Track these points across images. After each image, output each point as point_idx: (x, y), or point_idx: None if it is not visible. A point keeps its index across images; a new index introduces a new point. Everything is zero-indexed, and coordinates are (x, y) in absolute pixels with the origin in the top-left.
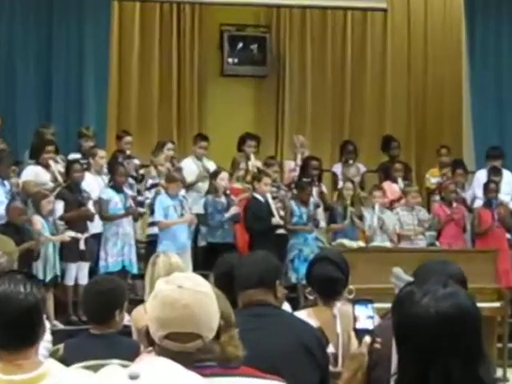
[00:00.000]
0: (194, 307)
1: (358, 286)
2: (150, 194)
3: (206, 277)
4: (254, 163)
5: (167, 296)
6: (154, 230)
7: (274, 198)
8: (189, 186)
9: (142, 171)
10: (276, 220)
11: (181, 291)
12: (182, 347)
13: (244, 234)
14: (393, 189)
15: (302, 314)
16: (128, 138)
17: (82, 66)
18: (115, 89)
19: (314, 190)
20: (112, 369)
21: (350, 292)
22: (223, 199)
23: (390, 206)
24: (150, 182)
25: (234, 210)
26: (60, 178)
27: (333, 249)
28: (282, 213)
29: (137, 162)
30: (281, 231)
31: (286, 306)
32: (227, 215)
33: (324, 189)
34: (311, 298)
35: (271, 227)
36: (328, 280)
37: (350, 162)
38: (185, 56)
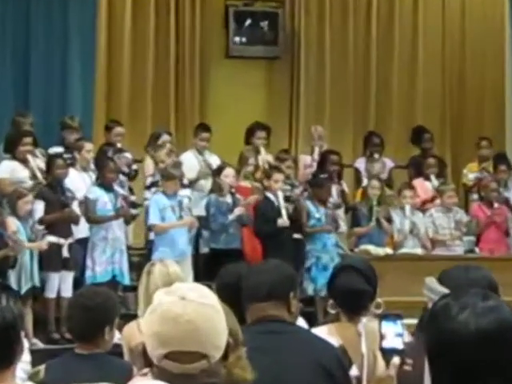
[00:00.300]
0: (199, 322)
1: (385, 299)
2: (149, 194)
3: (209, 288)
4: (265, 158)
5: (168, 309)
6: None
7: (287, 197)
8: (189, 184)
9: (134, 167)
10: (281, 221)
11: (184, 304)
12: (184, 368)
13: (252, 239)
14: (425, 187)
15: (322, 331)
16: (119, 129)
17: (65, 47)
18: (103, 73)
19: (334, 189)
20: None
21: (378, 306)
22: (228, 199)
23: (422, 206)
24: (150, 180)
25: (238, 210)
26: (40, 175)
27: (359, 256)
28: (290, 210)
29: (129, 156)
30: (297, 236)
31: (301, 322)
32: (231, 217)
33: (345, 187)
34: (333, 312)
35: (277, 230)
36: (353, 292)
37: (376, 156)
38: (184, 35)
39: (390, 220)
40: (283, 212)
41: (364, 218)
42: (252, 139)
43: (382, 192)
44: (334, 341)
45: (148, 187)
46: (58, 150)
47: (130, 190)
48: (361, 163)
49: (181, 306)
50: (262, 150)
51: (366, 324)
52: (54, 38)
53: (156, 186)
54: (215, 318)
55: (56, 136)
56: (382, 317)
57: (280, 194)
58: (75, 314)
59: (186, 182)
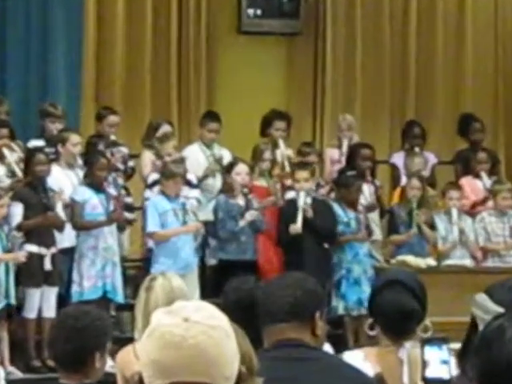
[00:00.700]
0: (206, 347)
1: (428, 320)
2: (151, 194)
3: (218, 306)
4: (284, 152)
5: (169, 332)
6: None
7: (313, 199)
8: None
9: (131, 163)
10: (293, 227)
11: (188, 326)
12: None
13: (268, 249)
14: (475, 187)
15: (357, 356)
16: (112, 118)
17: (46, 23)
18: (93, 53)
19: (366, 188)
20: None
21: (426, 329)
22: (240, 201)
23: (472, 210)
24: (153, 177)
25: (250, 215)
26: (19, 173)
27: (407, 270)
28: (309, 214)
29: (124, 150)
30: (327, 246)
31: (328, 348)
32: (242, 223)
33: (380, 186)
34: (372, 333)
35: (297, 237)
36: (399, 312)
37: (416, 150)
38: (188, 7)
39: (432, 226)
40: (299, 215)
41: (402, 223)
42: (269, 130)
43: (424, 193)
44: (371, 368)
45: (150, 186)
46: (39, 143)
47: (126, 191)
48: (398, 158)
49: (184, 328)
50: (281, 143)
51: (409, 350)
52: (33, 10)
53: (159, 185)
54: (225, 343)
55: (35, 127)
56: (425, 341)
57: (302, 195)
58: (59, 337)
59: (194, 181)
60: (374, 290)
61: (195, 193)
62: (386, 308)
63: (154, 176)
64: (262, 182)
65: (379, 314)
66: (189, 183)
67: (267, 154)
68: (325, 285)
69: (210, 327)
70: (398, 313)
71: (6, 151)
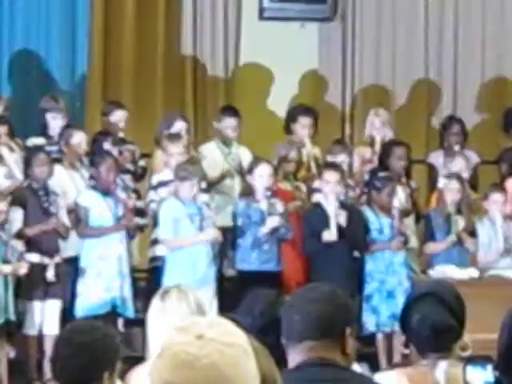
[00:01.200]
0: (223, 367)
1: (469, 337)
2: (156, 196)
3: (237, 323)
4: (311, 151)
5: (182, 351)
6: (161, 250)
7: (342, 203)
8: (211, 186)
9: (142, 163)
10: (328, 234)
11: (202, 344)
12: None
13: (295, 259)
14: None
15: (390, 378)
16: (120, 113)
17: (48, 11)
18: (100, 43)
19: (400, 191)
20: None
21: (465, 348)
22: (263, 205)
23: None
24: (158, 178)
25: (272, 221)
26: (19, 175)
27: (441, 281)
28: (342, 221)
29: (134, 148)
30: (357, 254)
31: (357, 367)
32: (264, 230)
33: (415, 189)
34: (407, 351)
35: (325, 246)
36: (432, 327)
37: (456, 148)
38: None
39: (473, 233)
40: (332, 222)
41: (440, 229)
42: (294, 127)
43: (464, 196)
44: None
45: (154, 187)
46: (39, 141)
47: (136, 194)
48: (436, 158)
49: (198, 346)
50: (308, 141)
51: (446, 370)
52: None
53: (164, 186)
54: (243, 362)
55: (36, 124)
56: (468, 361)
57: (332, 199)
58: (64, 355)
59: (203, 184)
60: (406, 304)
61: (204, 197)
62: (418, 323)
63: (159, 177)
64: (285, 185)
65: (411, 331)
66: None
67: (292, 154)
68: (355, 298)
69: (225, 345)
70: (430, 329)
71: (4, 151)
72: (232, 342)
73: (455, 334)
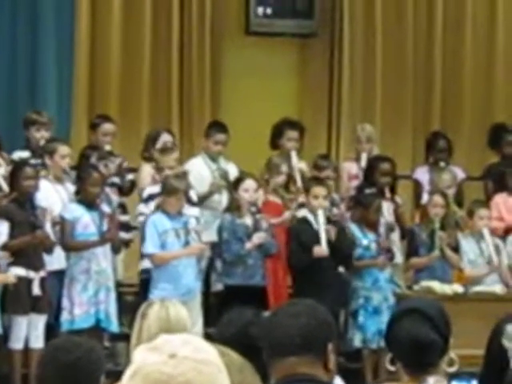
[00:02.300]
0: None
1: (455, 353)
2: (146, 209)
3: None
4: (298, 165)
5: (156, 371)
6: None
7: (327, 218)
8: (199, 201)
9: (130, 176)
10: (318, 249)
11: (175, 363)
12: None
13: (277, 274)
14: (510, 205)
15: None
16: (107, 127)
17: (35, 27)
18: (85, 56)
19: (386, 207)
20: None
21: (452, 363)
22: (248, 220)
23: (507, 232)
24: (149, 191)
25: (258, 238)
26: (6, 188)
27: (427, 298)
28: (332, 236)
29: (122, 161)
30: (342, 269)
31: (339, 382)
32: (248, 245)
33: (400, 204)
34: (392, 369)
35: (313, 261)
36: (415, 343)
37: (442, 164)
38: (191, 5)
39: (456, 248)
40: (322, 236)
41: (423, 245)
42: (280, 141)
43: (449, 211)
44: None
45: (145, 200)
46: (25, 154)
47: (122, 208)
48: (422, 174)
49: (172, 365)
50: (294, 155)
51: None
52: (21, 14)
53: (155, 199)
54: (218, 379)
55: (22, 138)
56: (453, 376)
57: (321, 214)
58: (48, 373)
59: (194, 198)
60: (391, 320)
61: (194, 211)
62: (401, 339)
63: (150, 190)
64: (275, 198)
65: (395, 346)
66: (188, 200)
67: (283, 168)
68: (339, 314)
69: (199, 362)
70: (413, 344)
71: None
72: (206, 359)
73: (438, 349)
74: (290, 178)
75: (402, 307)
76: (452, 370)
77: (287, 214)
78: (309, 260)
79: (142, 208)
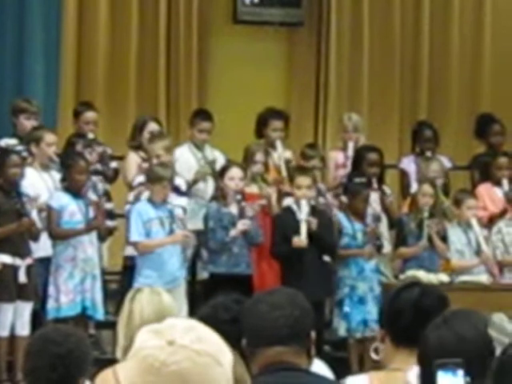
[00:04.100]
0: (190, 376)
1: None
2: (132, 197)
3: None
4: (283, 154)
5: (151, 356)
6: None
7: (313, 208)
8: (186, 191)
9: (114, 164)
10: (297, 240)
11: (172, 351)
12: None
13: (261, 263)
14: (494, 195)
15: (361, 382)
16: (90, 115)
17: (22, 15)
18: (73, 43)
19: (373, 196)
20: None
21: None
22: (233, 209)
23: (490, 222)
24: (139, 179)
25: (242, 224)
26: None
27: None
28: (313, 227)
29: (106, 150)
30: (325, 258)
31: (321, 365)
32: (233, 233)
33: (389, 194)
34: (376, 358)
35: (293, 251)
36: (423, 313)
37: (428, 153)
38: None
39: (444, 238)
40: (303, 227)
41: (412, 234)
42: (265, 131)
43: (437, 201)
44: None
45: (133, 188)
46: (11, 142)
47: (107, 196)
48: (408, 163)
49: (167, 352)
50: (279, 144)
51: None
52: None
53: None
54: (212, 372)
55: (7, 124)
56: (438, 366)
57: (304, 204)
58: (42, 365)
59: (183, 187)
60: (391, 295)
61: (182, 201)
62: (403, 307)
63: (140, 178)
64: (253, 189)
65: (394, 317)
66: (177, 189)
67: (259, 156)
68: (324, 303)
69: (196, 353)
70: (418, 311)
71: None
72: (204, 350)
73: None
74: (268, 167)
75: (403, 284)
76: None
77: (260, 202)
78: (289, 250)
79: (132, 197)
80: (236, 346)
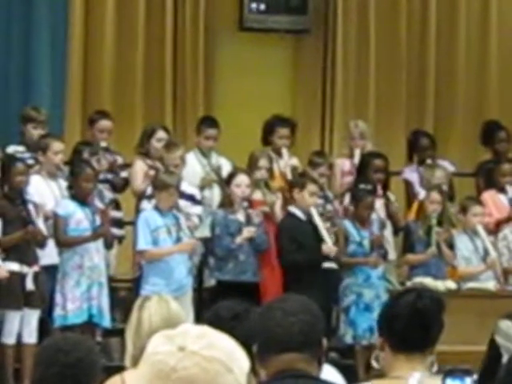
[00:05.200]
0: (200, 382)
1: (447, 349)
2: (149, 206)
3: None
4: (289, 162)
5: (161, 361)
6: None
7: (321, 215)
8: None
9: (124, 174)
10: (328, 247)
11: (182, 357)
12: None
13: (271, 270)
14: (499, 202)
15: None
16: (104, 123)
17: (29, 22)
18: (79, 52)
19: (378, 203)
20: None
21: (432, 364)
22: (240, 216)
23: (496, 228)
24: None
25: (248, 231)
26: None
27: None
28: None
29: (117, 158)
30: (329, 265)
31: (331, 372)
32: (239, 240)
33: (394, 201)
34: (377, 366)
35: (320, 259)
36: (419, 315)
37: (428, 161)
38: (184, 1)
39: (450, 245)
40: (325, 234)
41: (419, 241)
42: (271, 138)
43: (445, 208)
44: None
45: (148, 197)
46: (18, 149)
47: (116, 204)
48: (410, 173)
49: (178, 358)
50: (285, 151)
51: (421, 381)
52: (15, 7)
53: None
54: (221, 379)
55: (17, 133)
56: (447, 373)
57: (314, 212)
58: (49, 375)
59: (198, 196)
60: (389, 300)
61: (198, 209)
62: (402, 312)
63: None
64: (258, 195)
65: (392, 324)
66: (192, 198)
67: (262, 162)
68: (331, 310)
69: (206, 359)
70: (416, 317)
71: None
72: (214, 356)
73: (439, 330)
74: (272, 173)
75: (403, 290)
76: (433, 369)
77: (263, 208)
78: (305, 258)
79: (146, 205)
80: (238, 344)
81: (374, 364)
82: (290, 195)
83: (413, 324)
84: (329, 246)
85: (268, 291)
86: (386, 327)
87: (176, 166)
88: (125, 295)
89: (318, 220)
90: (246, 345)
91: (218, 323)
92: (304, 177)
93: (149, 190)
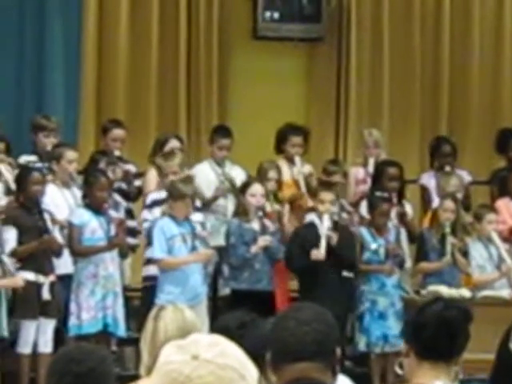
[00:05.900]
0: None
1: (463, 358)
2: (150, 216)
3: None
4: (301, 170)
5: (175, 371)
6: (154, 270)
7: (335, 223)
8: (205, 205)
9: (137, 183)
10: (316, 253)
11: (196, 365)
12: None
13: (285, 279)
14: None
15: None
16: (118, 132)
17: (42, 31)
18: (93, 60)
19: (393, 212)
20: None
21: (456, 375)
22: (255, 225)
23: (510, 236)
24: (153, 197)
25: (263, 240)
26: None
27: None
28: (333, 242)
29: (129, 167)
30: (346, 274)
31: (345, 382)
32: (254, 249)
33: (409, 209)
34: (401, 372)
35: (311, 264)
36: (446, 325)
37: (447, 168)
38: (198, 10)
39: (465, 253)
40: (322, 241)
41: (434, 250)
42: (284, 146)
43: (458, 216)
44: None
45: (148, 206)
46: (32, 159)
47: (129, 214)
48: (428, 179)
49: (192, 367)
50: (298, 160)
51: None
52: (28, 14)
53: (159, 205)
54: None
55: (29, 142)
56: (463, 383)
57: (326, 219)
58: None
59: (197, 203)
60: (416, 313)
61: (199, 217)
62: (430, 321)
63: (154, 196)
64: (267, 206)
65: (418, 332)
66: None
67: (272, 174)
68: (346, 318)
69: (220, 367)
70: (444, 326)
71: (2, 167)
72: (228, 364)
73: (467, 339)
74: (281, 184)
75: (429, 300)
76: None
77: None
78: (306, 263)
79: (146, 214)
80: (245, 352)
81: (398, 370)
82: (304, 202)
83: (440, 333)
84: (319, 251)
85: (288, 300)
86: (413, 335)
87: (174, 173)
88: (139, 304)
89: (324, 227)
90: (252, 354)
91: (225, 333)
92: (320, 185)
93: (148, 200)
